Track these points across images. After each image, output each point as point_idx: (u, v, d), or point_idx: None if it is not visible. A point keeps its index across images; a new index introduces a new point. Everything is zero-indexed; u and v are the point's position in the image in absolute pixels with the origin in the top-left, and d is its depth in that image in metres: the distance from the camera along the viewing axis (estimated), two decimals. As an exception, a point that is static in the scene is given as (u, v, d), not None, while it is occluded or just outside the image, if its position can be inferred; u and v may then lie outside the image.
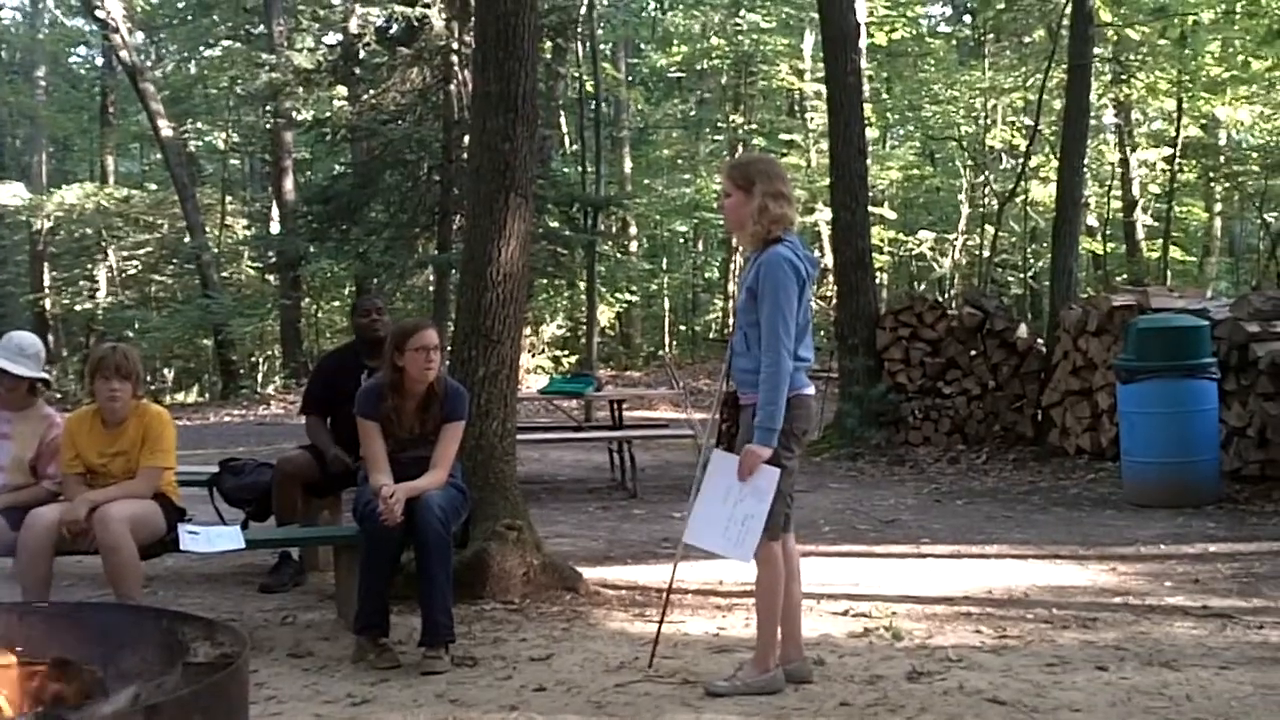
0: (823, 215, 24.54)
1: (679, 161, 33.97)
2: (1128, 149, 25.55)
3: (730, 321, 24.22)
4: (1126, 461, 11.09)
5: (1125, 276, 24.68)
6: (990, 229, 24.08)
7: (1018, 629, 6.61)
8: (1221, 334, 11.37)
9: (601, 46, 27.57)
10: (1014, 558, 8.76)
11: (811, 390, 5.59)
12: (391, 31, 19.48)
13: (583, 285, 24.59)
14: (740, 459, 5.41)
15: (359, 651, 6.09)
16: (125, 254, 31.97)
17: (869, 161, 16.45)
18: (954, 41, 31.35)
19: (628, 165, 31.87)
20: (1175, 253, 25.98)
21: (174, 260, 32.27)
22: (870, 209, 16.67)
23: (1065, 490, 11.86)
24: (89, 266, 32.86)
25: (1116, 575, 8.09)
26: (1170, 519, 10.06)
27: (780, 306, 5.33)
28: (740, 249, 21.15)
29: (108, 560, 6.06)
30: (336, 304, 31.34)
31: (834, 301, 16.06)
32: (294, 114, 25.68)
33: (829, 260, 22.21)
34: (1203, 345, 10.81)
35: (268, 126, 29.28)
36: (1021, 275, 26.47)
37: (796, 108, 31.47)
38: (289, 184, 27.60)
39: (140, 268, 32.55)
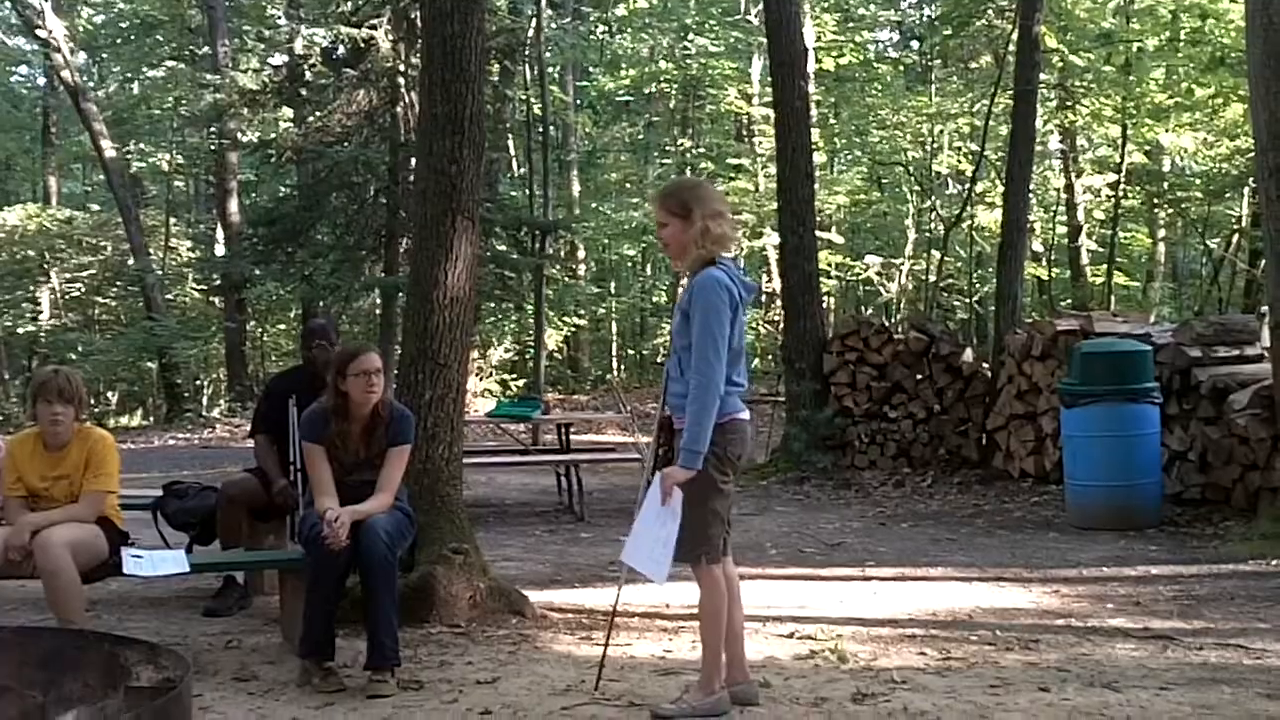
0: (770, 239, 24.63)
1: (627, 185, 33.97)
2: (1073, 175, 25.72)
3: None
4: (1070, 485, 11.20)
5: (1069, 301, 24.84)
6: (936, 254, 24.22)
7: (961, 651, 6.67)
8: (1164, 359, 11.49)
9: (549, 69, 27.59)
10: (958, 580, 8.82)
11: (746, 415, 5.57)
12: (337, 53, 19.48)
13: (530, 309, 24.56)
14: (660, 480, 5.42)
15: (304, 675, 6.07)
16: (68, 276, 31.68)
17: (816, 186, 16.52)
18: (901, 67, 31.50)
19: (576, 188, 31.87)
20: (1119, 278, 26.19)
21: (118, 283, 32.01)
22: (817, 233, 16.75)
23: (1009, 513, 11.95)
24: (31, 289, 32.54)
25: (1059, 597, 8.16)
26: (1113, 542, 10.16)
27: (710, 329, 5.30)
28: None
29: (49, 584, 6.03)
30: (282, 327, 31.20)
31: (781, 325, 16.12)
32: (239, 135, 25.60)
33: (776, 284, 22.31)
34: (1145, 370, 10.93)
35: (212, 148, 29.14)
36: (967, 300, 26.61)
37: (744, 132, 31.60)
38: (234, 206, 27.47)
39: (83, 290, 32.25)
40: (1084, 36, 23.01)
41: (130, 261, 28.91)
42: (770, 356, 26.09)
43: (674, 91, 33.22)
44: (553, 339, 28.58)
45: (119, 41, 34.16)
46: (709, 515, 5.42)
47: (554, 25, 28.99)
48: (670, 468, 5.38)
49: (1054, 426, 12.46)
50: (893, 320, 24.21)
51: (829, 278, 26.03)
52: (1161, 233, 28.68)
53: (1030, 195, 18.30)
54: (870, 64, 30.71)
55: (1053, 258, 26.67)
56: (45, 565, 6.01)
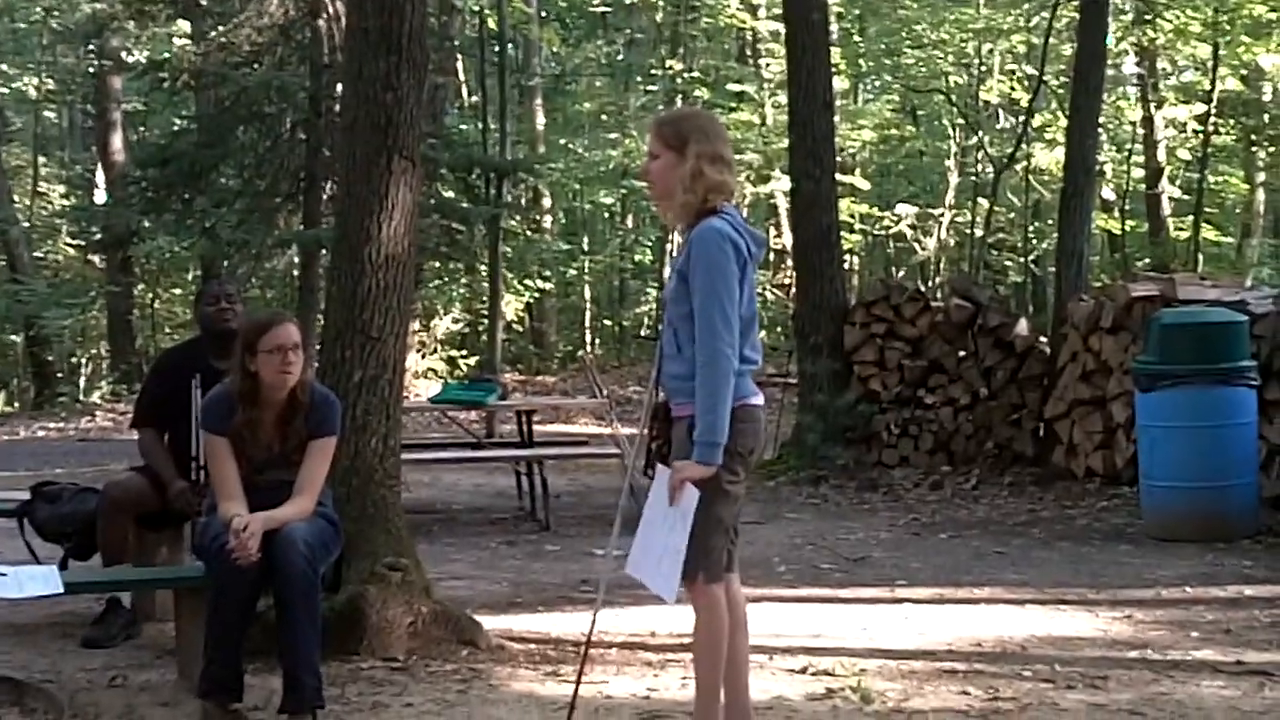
0: (780, 184, 24.65)
1: (603, 117, 33.90)
2: (1152, 105, 25.76)
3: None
4: (1146, 486, 11.21)
5: (1147, 261, 24.89)
6: (984, 202, 24.27)
7: (1012, 689, 6.69)
8: (1262, 332, 11.48)
9: (508, -27, 27.53)
10: (1009, 603, 8.85)
11: (759, 400, 5.53)
12: (245, -49, 19.42)
13: (484, 270, 24.56)
14: (670, 476, 5.37)
15: (205, 719, 6.09)
16: (-87, 229, 31.65)
17: (837, 119, 16.54)
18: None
19: (540, 121, 31.83)
20: (1208, 232, 26.24)
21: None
22: (838, 177, 16.77)
23: (1072, 521, 11.98)
24: None
25: (1133, 624, 8.20)
26: (1198, 556, 10.18)
27: (717, 291, 5.25)
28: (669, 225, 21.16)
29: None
30: (178, 291, 31.11)
31: (793, 291, 16.12)
32: (124, 55, 25.53)
33: (787, 240, 22.29)
34: (1239, 345, 10.92)
35: (91, 70, 29.04)
36: (1021, 259, 26.70)
37: (749, 52, 31.57)
38: (118, 142, 27.40)
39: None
40: (1166, -66, 23.03)
41: (-11, 211, 28.84)
42: (779, 329, 26.13)
43: (661, 2, 33.11)
44: (512, 307, 28.58)
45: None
46: (711, 523, 5.35)
47: (513, -81, 28.93)
48: (683, 461, 5.30)
49: (1127, 415, 12.48)
50: (930, 284, 24.26)
51: (852, 232, 26.06)
52: (1261, 176, 28.74)
53: (1100, 131, 18.33)
54: (904, -32, 30.72)
55: (1127, 207, 26.71)
56: (-114, 585, 6.01)
